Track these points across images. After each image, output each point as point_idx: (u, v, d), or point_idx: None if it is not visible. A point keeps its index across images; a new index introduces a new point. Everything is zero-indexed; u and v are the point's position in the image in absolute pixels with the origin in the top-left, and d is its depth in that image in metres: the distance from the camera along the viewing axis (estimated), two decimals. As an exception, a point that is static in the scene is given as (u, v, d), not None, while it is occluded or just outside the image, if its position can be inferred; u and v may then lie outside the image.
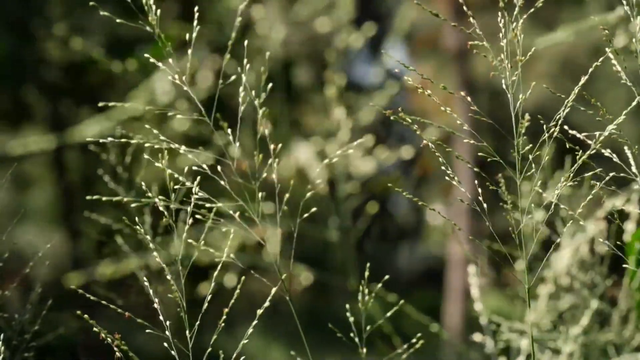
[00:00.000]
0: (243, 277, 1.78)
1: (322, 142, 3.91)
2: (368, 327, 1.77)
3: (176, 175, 1.68)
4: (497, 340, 2.42)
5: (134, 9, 1.73)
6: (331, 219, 3.79)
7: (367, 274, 1.79)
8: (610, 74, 1.66)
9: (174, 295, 1.66)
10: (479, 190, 1.65)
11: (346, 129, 3.75)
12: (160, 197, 1.69)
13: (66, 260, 8.88)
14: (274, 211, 1.74)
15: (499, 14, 1.60)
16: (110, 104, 1.82)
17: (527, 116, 1.59)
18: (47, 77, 8.64)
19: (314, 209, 1.81)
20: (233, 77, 1.76)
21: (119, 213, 2.11)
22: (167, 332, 1.65)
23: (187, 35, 1.73)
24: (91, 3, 1.76)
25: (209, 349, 1.68)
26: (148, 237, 1.71)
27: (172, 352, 1.67)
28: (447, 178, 1.64)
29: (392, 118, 1.63)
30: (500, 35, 1.61)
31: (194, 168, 1.70)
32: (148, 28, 1.71)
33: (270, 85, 1.74)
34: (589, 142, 1.62)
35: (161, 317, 1.66)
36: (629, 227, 2.35)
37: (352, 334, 1.77)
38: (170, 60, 1.71)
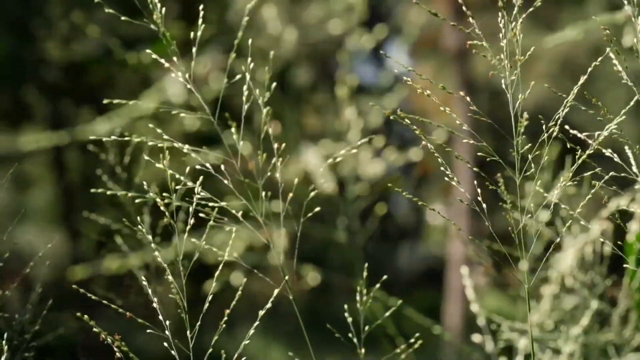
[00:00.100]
0: (245, 280, 1.77)
1: (330, 144, 3.92)
2: (367, 327, 1.77)
3: (177, 176, 1.68)
4: (497, 340, 2.42)
5: (139, 7, 1.73)
6: (339, 219, 3.79)
7: (365, 274, 1.79)
8: (610, 73, 1.65)
9: (174, 296, 1.66)
10: (478, 190, 1.65)
11: (356, 130, 3.76)
12: (162, 194, 1.68)
13: (66, 260, 8.88)
14: (280, 211, 1.74)
15: (499, 13, 1.60)
16: (115, 101, 1.81)
17: (525, 115, 1.59)
18: (47, 77, 8.64)
19: (317, 209, 1.81)
20: (238, 77, 1.76)
21: (118, 213, 2.11)
22: (167, 332, 1.65)
23: (192, 34, 1.73)
24: (96, 0, 1.76)
25: (210, 350, 1.68)
26: (149, 236, 1.71)
27: (172, 352, 1.66)
28: (446, 179, 1.64)
29: (391, 118, 1.63)
30: (500, 36, 1.61)
31: (198, 167, 1.70)
32: (153, 26, 1.71)
33: (274, 84, 1.74)
34: (590, 142, 1.62)
35: (160, 317, 1.66)
36: (634, 227, 2.35)
37: (350, 334, 1.77)
38: (175, 58, 1.71)
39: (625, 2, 1.65)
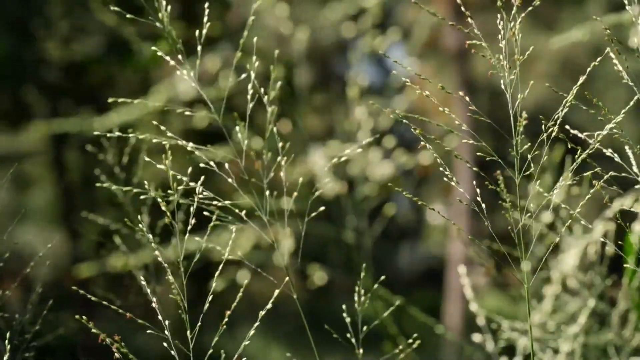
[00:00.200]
0: (246, 281, 1.77)
1: (337, 144, 3.93)
2: (365, 328, 1.77)
3: (179, 177, 1.68)
4: (497, 339, 2.42)
5: (139, 7, 1.73)
6: (347, 219, 3.80)
7: (362, 274, 1.79)
8: (610, 73, 1.66)
9: (174, 296, 1.65)
10: (477, 190, 1.65)
11: (365, 131, 3.77)
12: (166, 192, 1.68)
13: (66, 260, 8.88)
14: (285, 210, 1.73)
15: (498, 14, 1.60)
16: (120, 100, 1.81)
17: (524, 114, 1.59)
18: (47, 77, 8.65)
19: (322, 208, 1.81)
20: (244, 76, 1.76)
21: (118, 213, 2.11)
22: (166, 332, 1.65)
23: (197, 32, 1.73)
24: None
25: (210, 351, 1.68)
26: (149, 235, 1.71)
27: (172, 352, 1.66)
28: (445, 179, 1.64)
29: (391, 117, 1.63)
30: (500, 36, 1.61)
31: (202, 165, 1.69)
32: (158, 24, 1.71)
33: (279, 83, 1.74)
34: (591, 142, 1.62)
35: (160, 317, 1.66)
36: (637, 228, 2.35)
37: (349, 335, 1.77)
38: (180, 57, 1.71)
39: (626, 2, 1.65)
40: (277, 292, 1.68)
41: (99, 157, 2.34)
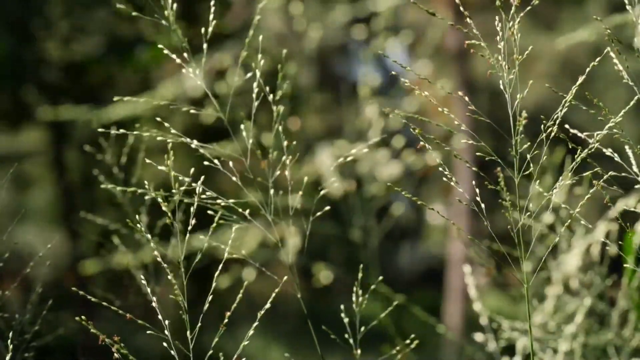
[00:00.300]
0: (247, 281, 1.77)
1: (345, 144, 3.94)
2: (362, 328, 1.77)
3: (181, 177, 1.68)
4: (498, 339, 2.42)
5: (139, 6, 1.73)
6: (355, 217, 3.81)
7: (360, 275, 1.79)
8: (610, 73, 1.66)
9: (175, 297, 1.65)
10: (477, 190, 1.65)
11: (377, 130, 3.78)
12: (168, 192, 1.68)
13: (66, 260, 8.88)
14: (289, 209, 1.73)
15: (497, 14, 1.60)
16: (126, 98, 1.81)
17: (524, 114, 1.59)
18: (47, 77, 8.64)
19: (327, 208, 1.81)
20: (249, 75, 1.76)
21: (117, 213, 2.11)
22: (166, 332, 1.64)
23: (203, 30, 1.73)
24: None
25: (210, 351, 1.68)
26: (149, 235, 1.71)
27: (172, 352, 1.66)
28: (444, 179, 1.64)
29: (390, 116, 1.63)
30: (498, 37, 1.61)
31: (206, 164, 1.70)
32: (164, 22, 1.72)
33: (286, 83, 1.75)
34: (591, 141, 1.62)
35: (160, 317, 1.66)
36: (639, 228, 2.35)
37: (347, 335, 1.77)
38: (185, 54, 1.71)
39: (626, 2, 1.65)
40: (276, 291, 1.68)
41: (98, 158, 2.34)
